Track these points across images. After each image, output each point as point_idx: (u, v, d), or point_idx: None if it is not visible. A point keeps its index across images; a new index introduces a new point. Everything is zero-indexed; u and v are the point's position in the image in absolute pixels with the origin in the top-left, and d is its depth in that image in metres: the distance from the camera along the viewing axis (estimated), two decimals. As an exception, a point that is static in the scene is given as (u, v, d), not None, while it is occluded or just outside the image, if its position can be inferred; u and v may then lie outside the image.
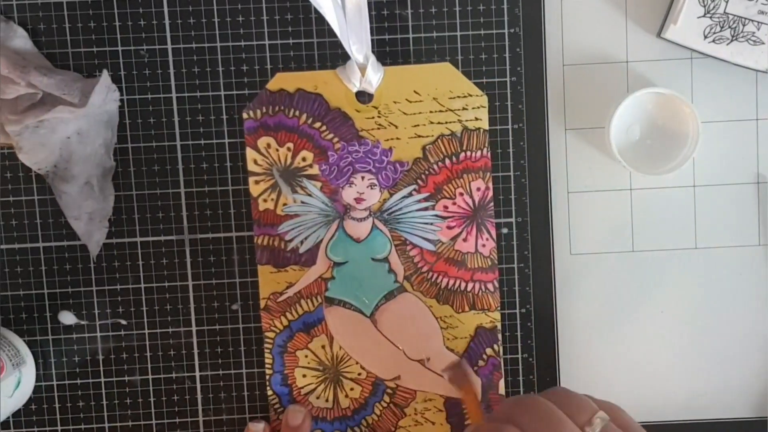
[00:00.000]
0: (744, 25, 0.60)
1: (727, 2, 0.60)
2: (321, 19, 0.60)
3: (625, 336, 0.64)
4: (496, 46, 0.62)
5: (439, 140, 0.62)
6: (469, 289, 0.63)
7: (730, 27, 0.60)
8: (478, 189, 0.62)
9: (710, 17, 0.60)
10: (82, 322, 0.63)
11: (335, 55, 0.62)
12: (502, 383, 0.63)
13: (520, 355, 0.64)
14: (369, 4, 0.60)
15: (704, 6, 0.60)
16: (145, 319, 0.63)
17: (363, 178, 0.62)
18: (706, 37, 0.60)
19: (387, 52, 0.62)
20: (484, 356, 0.63)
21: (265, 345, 0.63)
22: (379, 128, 0.62)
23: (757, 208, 0.64)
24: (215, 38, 0.62)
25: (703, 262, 0.64)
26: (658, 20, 0.62)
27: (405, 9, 0.62)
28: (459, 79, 0.62)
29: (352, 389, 0.63)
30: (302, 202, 0.62)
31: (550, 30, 0.62)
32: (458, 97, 0.62)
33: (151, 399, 0.64)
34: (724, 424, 0.65)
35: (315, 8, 0.58)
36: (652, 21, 0.62)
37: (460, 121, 0.62)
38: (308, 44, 0.62)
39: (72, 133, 0.60)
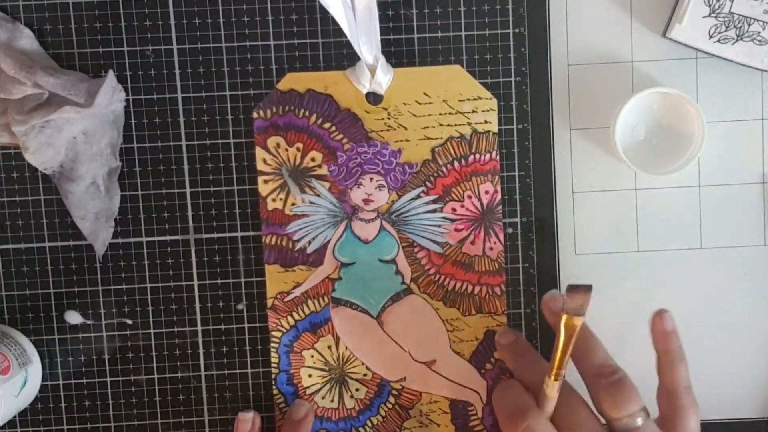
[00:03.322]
0: (749, 25, 0.60)
1: (732, 2, 0.60)
2: (326, 20, 0.60)
3: (630, 336, 0.64)
4: (500, 46, 0.62)
5: (448, 142, 0.62)
6: (476, 292, 0.63)
7: (735, 27, 0.60)
8: (487, 192, 0.62)
9: (715, 17, 0.60)
10: (88, 322, 0.63)
11: (340, 56, 0.62)
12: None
13: (525, 355, 0.64)
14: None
15: (709, 6, 0.60)
16: (151, 319, 0.63)
17: (371, 179, 0.62)
18: (711, 36, 0.60)
19: (392, 53, 0.62)
20: (492, 359, 0.63)
21: (272, 344, 0.63)
22: (388, 129, 0.62)
23: (762, 207, 0.64)
24: (220, 38, 0.61)
25: (708, 262, 0.64)
26: (663, 20, 0.62)
27: (410, 9, 0.62)
28: (469, 82, 0.61)
29: (357, 390, 0.63)
30: (311, 203, 0.62)
31: (554, 30, 0.62)
32: (468, 99, 0.61)
33: (157, 398, 0.64)
34: (724, 424, 0.65)
35: (321, 8, 0.58)
36: (657, 21, 0.62)
37: (469, 123, 0.62)
38: (313, 44, 0.62)
39: (78, 133, 0.60)
